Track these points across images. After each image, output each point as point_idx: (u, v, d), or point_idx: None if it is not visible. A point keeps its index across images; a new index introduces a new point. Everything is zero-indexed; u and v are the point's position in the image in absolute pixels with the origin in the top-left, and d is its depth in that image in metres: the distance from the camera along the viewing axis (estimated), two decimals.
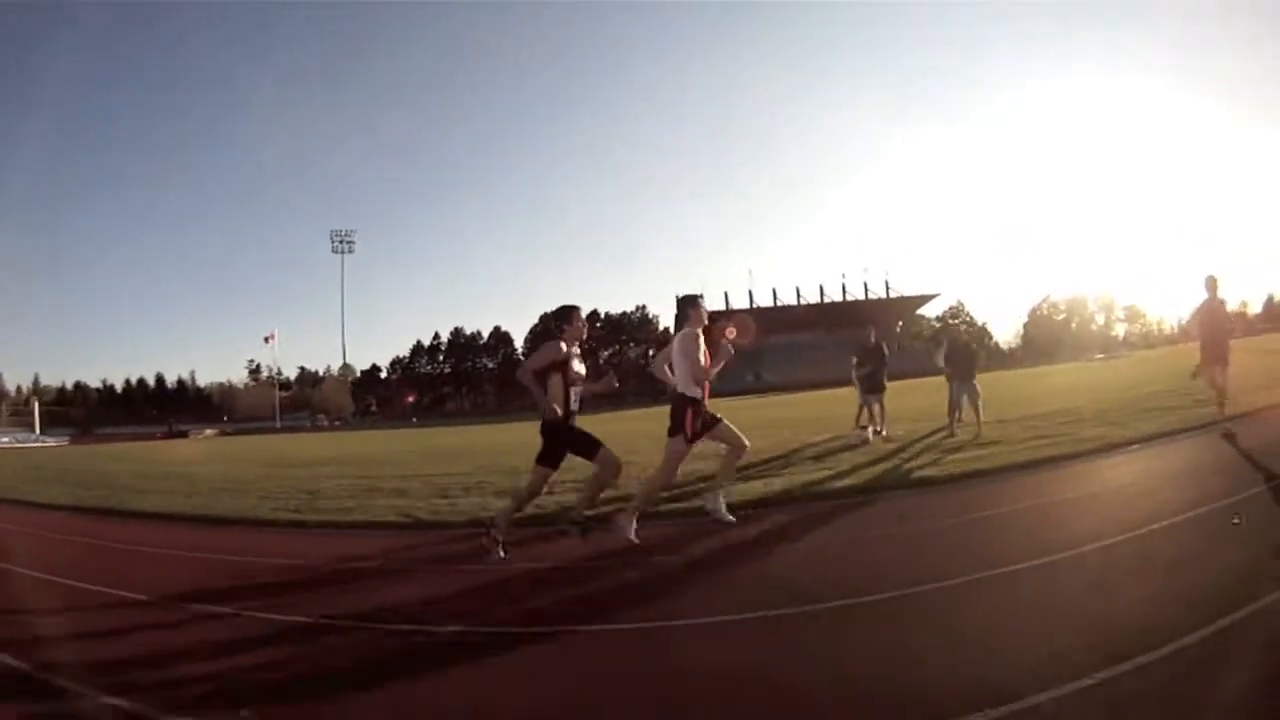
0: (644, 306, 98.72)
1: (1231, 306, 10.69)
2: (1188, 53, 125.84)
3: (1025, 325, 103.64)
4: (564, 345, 4.80)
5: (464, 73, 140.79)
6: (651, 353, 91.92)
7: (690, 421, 4.86)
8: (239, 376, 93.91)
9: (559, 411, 4.69)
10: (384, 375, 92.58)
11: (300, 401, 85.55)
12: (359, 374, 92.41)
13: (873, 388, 10.58)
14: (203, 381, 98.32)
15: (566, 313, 4.94)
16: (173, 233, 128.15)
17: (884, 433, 10.25)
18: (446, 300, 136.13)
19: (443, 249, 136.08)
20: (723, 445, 5.16)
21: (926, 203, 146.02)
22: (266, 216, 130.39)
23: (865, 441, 9.55)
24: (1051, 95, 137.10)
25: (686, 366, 4.89)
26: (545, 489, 5.02)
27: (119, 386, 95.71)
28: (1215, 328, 7.59)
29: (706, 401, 5.01)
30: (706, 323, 5.12)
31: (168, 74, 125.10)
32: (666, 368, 5.10)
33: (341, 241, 76.85)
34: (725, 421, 5.06)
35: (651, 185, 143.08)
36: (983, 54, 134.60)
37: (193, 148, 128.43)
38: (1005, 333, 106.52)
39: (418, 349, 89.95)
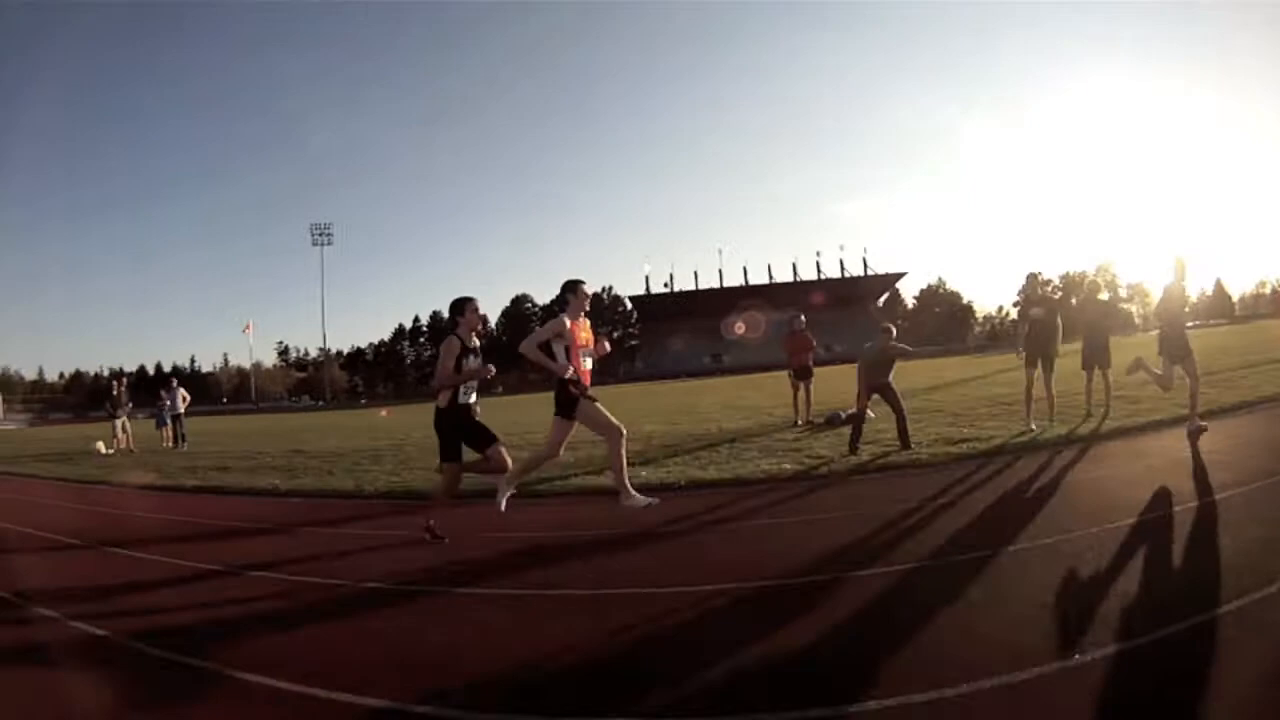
0: (611, 288, 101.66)
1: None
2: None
3: (1017, 304, 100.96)
4: (459, 339, 4.88)
5: (442, 68, 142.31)
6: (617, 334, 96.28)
7: (569, 398, 4.87)
8: (269, 359, 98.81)
9: (454, 401, 4.84)
10: (368, 358, 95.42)
11: (315, 383, 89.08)
12: (343, 357, 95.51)
13: (804, 374, 10.50)
14: (207, 367, 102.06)
15: (461, 305, 4.99)
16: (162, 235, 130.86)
17: (808, 420, 10.14)
18: (427, 284, 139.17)
19: (420, 235, 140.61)
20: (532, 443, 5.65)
21: (905, 179, 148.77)
22: (249, 211, 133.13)
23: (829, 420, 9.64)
24: (1034, 68, 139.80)
25: (559, 349, 4.92)
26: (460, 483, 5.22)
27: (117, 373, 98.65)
28: (1175, 315, 7.16)
29: (587, 382, 5.03)
30: (588, 308, 5.15)
31: (159, 75, 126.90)
32: (538, 349, 4.97)
33: (321, 234, 78.79)
34: (598, 404, 4.97)
35: (622, 167, 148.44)
36: (957, 25, 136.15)
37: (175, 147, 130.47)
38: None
39: (399, 332, 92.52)
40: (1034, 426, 7.67)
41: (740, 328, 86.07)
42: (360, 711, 2.46)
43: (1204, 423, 6.79)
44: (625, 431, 5.00)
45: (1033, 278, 8.82)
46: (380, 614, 3.57)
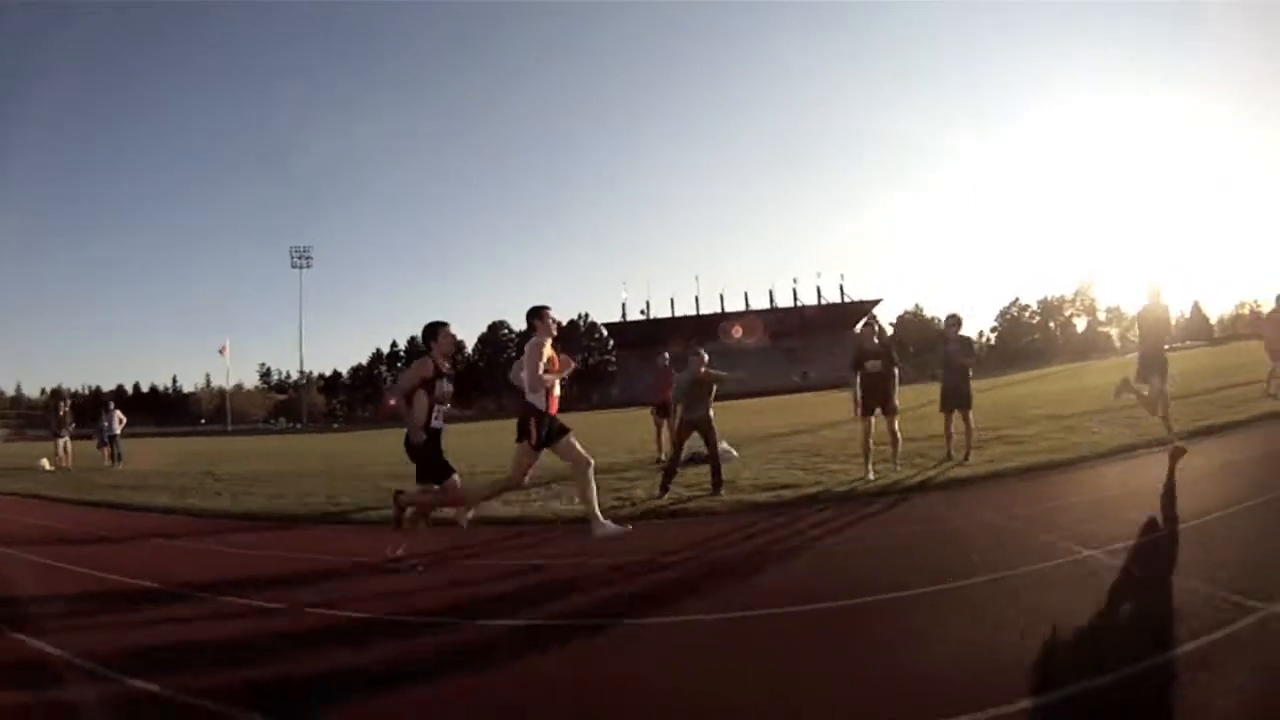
0: (587, 314, 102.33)
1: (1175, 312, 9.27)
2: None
3: (996, 329, 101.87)
4: (433, 362, 4.85)
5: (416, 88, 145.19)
6: (589, 357, 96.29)
7: (535, 429, 4.91)
8: (251, 380, 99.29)
9: (422, 435, 4.82)
10: (347, 382, 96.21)
11: (294, 406, 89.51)
12: (322, 380, 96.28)
13: (665, 410, 9.83)
14: (189, 387, 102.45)
15: (435, 329, 4.95)
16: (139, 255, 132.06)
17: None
18: (404, 309, 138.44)
19: (399, 260, 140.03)
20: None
21: (885, 204, 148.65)
22: (234, 230, 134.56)
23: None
24: (1013, 90, 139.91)
25: (528, 375, 4.93)
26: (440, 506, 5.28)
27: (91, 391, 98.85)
28: (1155, 336, 7.15)
29: (555, 410, 5.06)
30: (555, 333, 5.15)
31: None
32: (523, 376, 5.05)
33: (300, 257, 79.76)
34: (570, 436, 5.04)
35: (599, 195, 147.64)
36: (939, 47, 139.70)
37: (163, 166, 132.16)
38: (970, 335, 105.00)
39: (377, 356, 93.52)
40: (871, 476, 7.17)
41: (738, 331, 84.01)
42: None
43: (1182, 443, 6.81)
44: (593, 462, 5.07)
45: (869, 323, 7.79)
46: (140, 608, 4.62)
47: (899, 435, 7.78)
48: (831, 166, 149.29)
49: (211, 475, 13.22)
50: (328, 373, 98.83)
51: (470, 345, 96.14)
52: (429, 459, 4.89)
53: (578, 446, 5.05)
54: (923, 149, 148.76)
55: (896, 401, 7.66)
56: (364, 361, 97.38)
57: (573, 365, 5.29)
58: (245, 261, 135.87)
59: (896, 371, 7.70)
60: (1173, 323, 7.66)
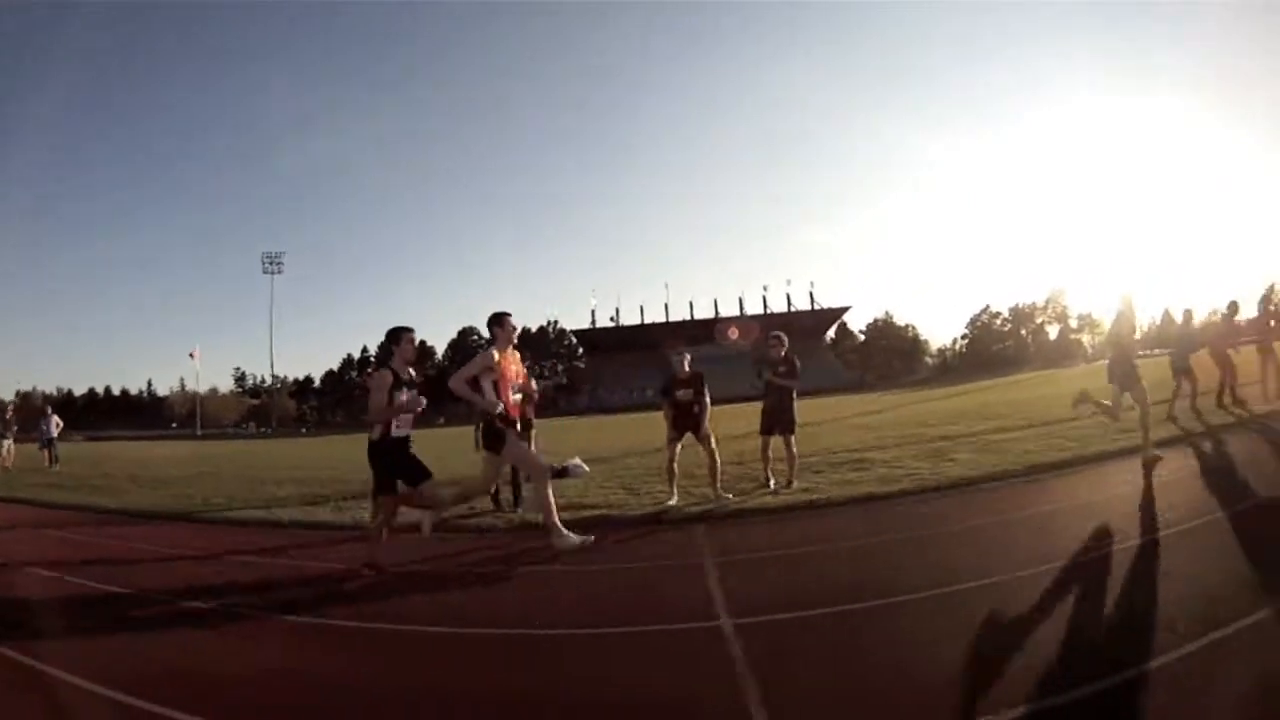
0: (556, 321, 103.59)
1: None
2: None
3: (967, 336, 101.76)
4: (393, 372, 4.78)
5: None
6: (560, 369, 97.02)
7: (497, 435, 4.90)
8: (225, 384, 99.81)
9: (387, 434, 4.79)
10: (318, 387, 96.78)
11: (264, 411, 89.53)
12: (295, 385, 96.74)
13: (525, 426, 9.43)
14: (164, 390, 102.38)
15: (397, 335, 4.89)
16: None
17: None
18: (377, 315, 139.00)
19: (370, 268, 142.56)
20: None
21: (858, 211, 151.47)
22: (210, 235, 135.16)
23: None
24: (988, 95, 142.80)
25: (454, 380, 4.88)
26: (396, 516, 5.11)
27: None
28: (1124, 344, 7.07)
29: (516, 415, 5.05)
30: (514, 341, 5.10)
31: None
32: (467, 385, 4.93)
33: (272, 263, 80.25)
34: (527, 445, 5.12)
35: (570, 202, 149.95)
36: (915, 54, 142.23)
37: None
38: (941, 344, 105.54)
39: (348, 362, 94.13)
40: (672, 501, 7.02)
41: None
42: None
43: (1159, 451, 6.77)
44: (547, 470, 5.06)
45: (679, 361, 7.33)
46: None
47: (717, 459, 7.22)
48: (805, 173, 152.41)
49: (137, 478, 14.47)
50: (301, 377, 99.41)
51: (441, 352, 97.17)
52: (393, 466, 4.84)
53: (534, 455, 5.20)
54: (895, 157, 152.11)
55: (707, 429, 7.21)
56: (335, 367, 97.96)
57: (536, 392, 5.57)
58: (221, 266, 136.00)
59: (708, 400, 7.29)
60: (1139, 331, 7.47)
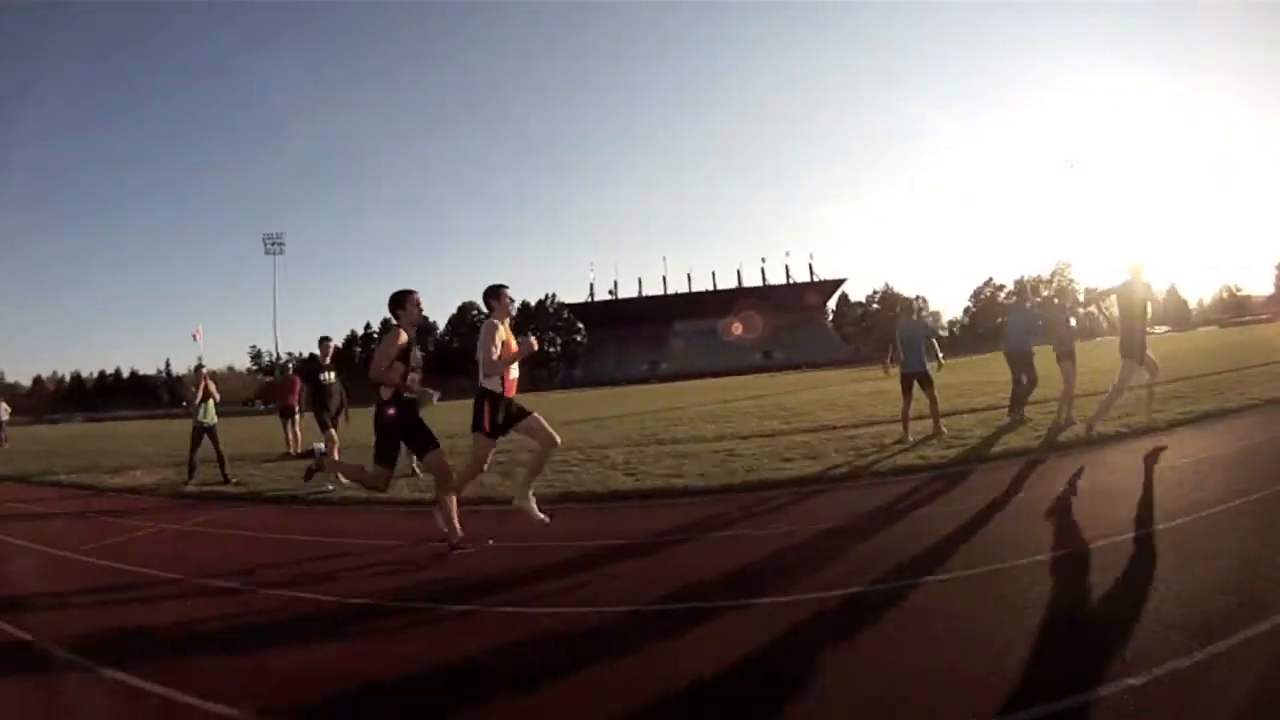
0: (554, 295, 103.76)
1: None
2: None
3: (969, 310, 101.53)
4: (404, 333, 4.54)
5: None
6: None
7: (488, 415, 4.65)
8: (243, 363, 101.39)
9: (426, 394, 4.75)
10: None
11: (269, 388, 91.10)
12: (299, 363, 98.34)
13: (288, 413, 11.63)
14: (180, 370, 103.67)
15: (402, 297, 4.63)
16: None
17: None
18: (381, 293, 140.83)
19: (373, 243, 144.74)
20: (532, 442, 4.85)
21: (859, 184, 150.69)
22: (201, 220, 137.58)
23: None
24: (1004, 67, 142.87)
25: (482, 358, 4.66)
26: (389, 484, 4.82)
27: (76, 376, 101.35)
28: (1135, 319, 6.90)
29: (512, 393, 4.77)
30: (512, 313, 4.93)
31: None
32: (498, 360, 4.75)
33: (273, 244, 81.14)
34: (536, 415, 4.79)
35: (568, 175, 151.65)
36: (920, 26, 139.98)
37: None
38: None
39: (352, 338, 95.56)
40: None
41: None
42: None
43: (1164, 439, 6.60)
44: (560, 442, 4.86)
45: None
46: None
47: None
48: (803, 147, 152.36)
49: (86, 452, 15.67)
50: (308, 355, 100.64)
51: (442, 327, 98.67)
52: (399, 432, 4.61)
53: (545, 424, 4.78)
54: (894, 130, 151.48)
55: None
56: (339, 344, 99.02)
57: (533, 347, 4.89)
58: (235, 247, 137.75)
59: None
60: (1154, 303, 7.18)
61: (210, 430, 8.85)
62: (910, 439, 7.68)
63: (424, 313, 4.78)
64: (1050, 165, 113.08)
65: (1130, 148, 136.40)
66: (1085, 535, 3.83)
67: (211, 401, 9.01)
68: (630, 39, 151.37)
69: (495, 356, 4.63)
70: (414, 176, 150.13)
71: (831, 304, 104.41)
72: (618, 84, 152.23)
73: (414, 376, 4.58)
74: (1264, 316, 64.82)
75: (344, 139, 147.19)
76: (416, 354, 4.64)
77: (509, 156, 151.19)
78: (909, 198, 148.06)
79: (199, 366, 9.94)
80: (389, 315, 4.69)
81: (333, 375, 8.61)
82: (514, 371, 4.79)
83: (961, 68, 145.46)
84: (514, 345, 4.82)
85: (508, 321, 4.84)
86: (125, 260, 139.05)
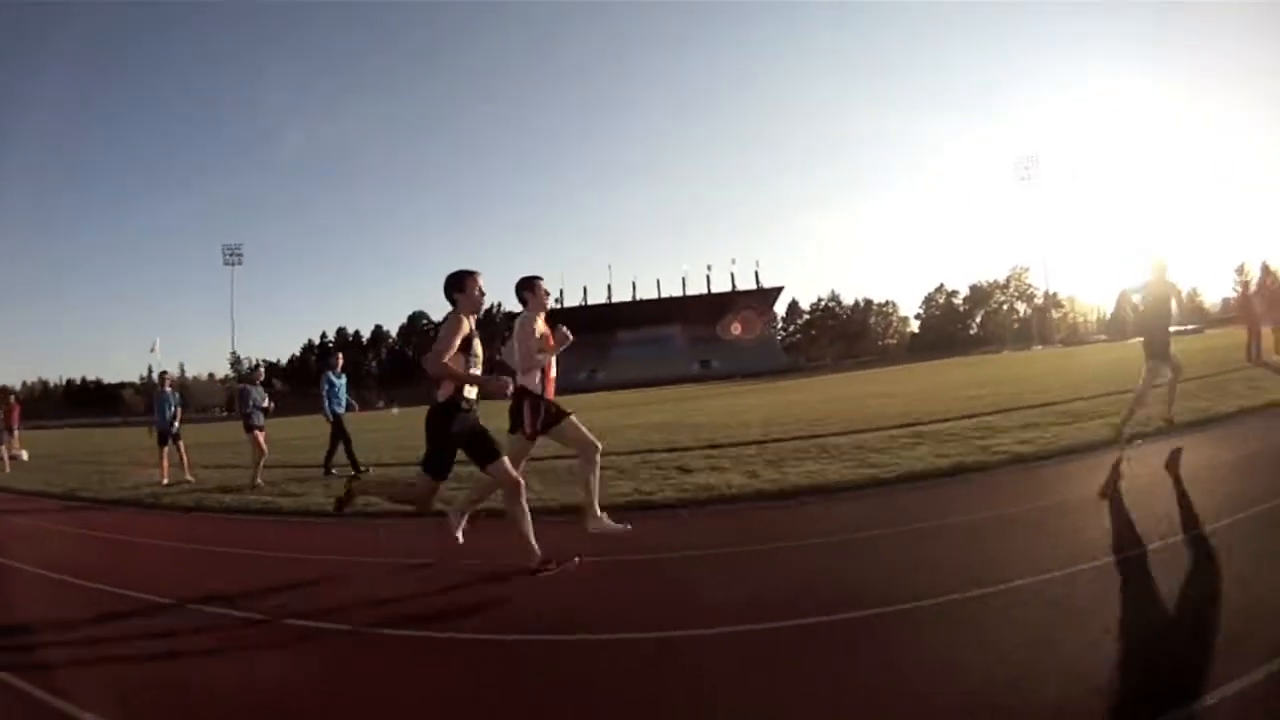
0: (500, 304, 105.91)
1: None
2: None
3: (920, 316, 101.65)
4: (466, 321, 3.96)
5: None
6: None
7: (531, 415, 4.30)
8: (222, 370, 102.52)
9: (506, 381, 4.21)
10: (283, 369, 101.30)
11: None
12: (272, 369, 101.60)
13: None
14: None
15: (461, 279, 4.02)
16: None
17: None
18: (333, 302, 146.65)
19: (327, 256, 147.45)
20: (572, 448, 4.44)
21: (799, 192, 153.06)
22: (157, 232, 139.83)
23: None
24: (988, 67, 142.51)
25: (520, 355, 4.32)
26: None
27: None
28: (1159, 318, 6.72)
29: (551, 393, 4.43)
30: (548, 306, 4.57)
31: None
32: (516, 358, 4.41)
33: (232, 254, 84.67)
34: (572, 418, 4.37)
35: (515, 182, 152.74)
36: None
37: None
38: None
39: (309, 347, 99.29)
40: (166, 482, 8.65)
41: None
42: None
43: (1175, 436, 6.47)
44: (601, 446, 4.46)
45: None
46: None
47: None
48: (746, 151, 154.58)
49: (54, 456, 19.11)
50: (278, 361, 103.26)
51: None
52: (456, 439, 3.99)
53: (583, 429, 4.40)
54: (849, 133, 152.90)
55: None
56: (296, 353, 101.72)
57: (569, 339, 4.58)
58: (209, 257, 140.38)
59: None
60: (1177, 302, 6.97)
61: (175, 435, 10.24)
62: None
63: (483, 296, 4.08)
64: (1006, 169, 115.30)
65: (1090, 150, 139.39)
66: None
67: (177, 409, 10.45)
68: (583, 38, 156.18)
69: (535, 352, 4.35)
70: (367, 187, 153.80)
71: (780, 310, 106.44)
72: (570, 86, 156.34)
73: (475, 373, 4.04)
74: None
75: (301, 155, 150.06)
76: (478, 345, 4.04)
77: (458, 167, 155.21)
78: (862, 203, 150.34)
79: (163, 374, 11.42)
80: (446, 299, 4.02)
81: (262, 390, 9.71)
82: (553, 369, 4.55)
83: (907, 68, 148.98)
84: (552, 339, 4.54)
85: (543, 314, 4.56)
86: (112, 269, 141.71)
